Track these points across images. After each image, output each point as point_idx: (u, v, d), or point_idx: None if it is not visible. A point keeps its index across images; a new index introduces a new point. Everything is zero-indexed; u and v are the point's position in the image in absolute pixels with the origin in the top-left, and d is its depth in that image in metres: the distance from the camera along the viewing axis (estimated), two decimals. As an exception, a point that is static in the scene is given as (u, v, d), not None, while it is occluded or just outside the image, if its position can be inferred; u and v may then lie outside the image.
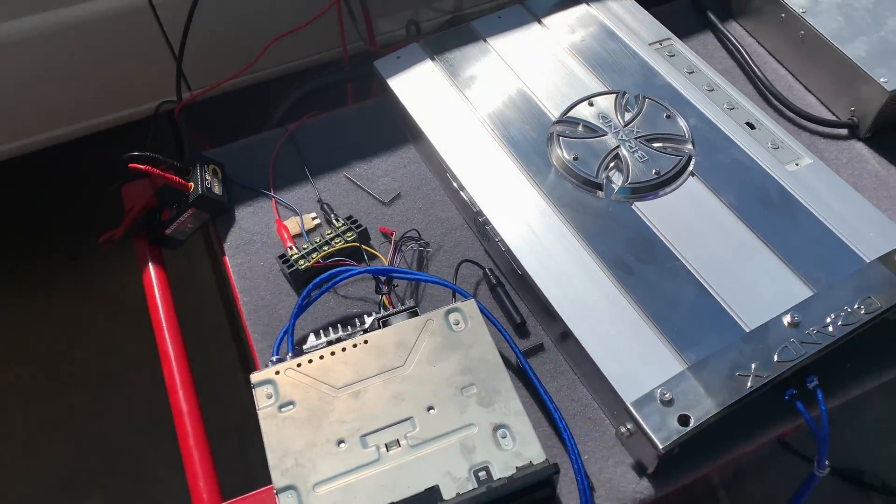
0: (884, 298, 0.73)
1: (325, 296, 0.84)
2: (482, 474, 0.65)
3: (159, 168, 0.89)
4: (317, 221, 0.91)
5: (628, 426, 0.70)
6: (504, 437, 0.67)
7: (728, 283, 0.76)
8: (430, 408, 0.69)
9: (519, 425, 0.68)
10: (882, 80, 0.91)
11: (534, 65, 0.97)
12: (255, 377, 0.71)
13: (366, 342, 0.74)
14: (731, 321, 0.73)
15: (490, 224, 0.83)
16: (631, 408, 0.68)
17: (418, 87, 0.96)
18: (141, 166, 0.87)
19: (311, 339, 0.78)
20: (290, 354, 0.76)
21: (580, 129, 0.88)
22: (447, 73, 0.97)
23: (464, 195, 0.87)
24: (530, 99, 0.93)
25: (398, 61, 0.99)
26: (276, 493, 0.64)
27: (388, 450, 0.67)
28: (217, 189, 0.91)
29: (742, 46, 1.05)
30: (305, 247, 0.86)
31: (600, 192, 0.84)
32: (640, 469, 0.72)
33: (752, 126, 0.90)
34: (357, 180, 0.95)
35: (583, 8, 1.04)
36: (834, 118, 0.99)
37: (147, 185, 0.99)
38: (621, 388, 0.70)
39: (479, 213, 0.84)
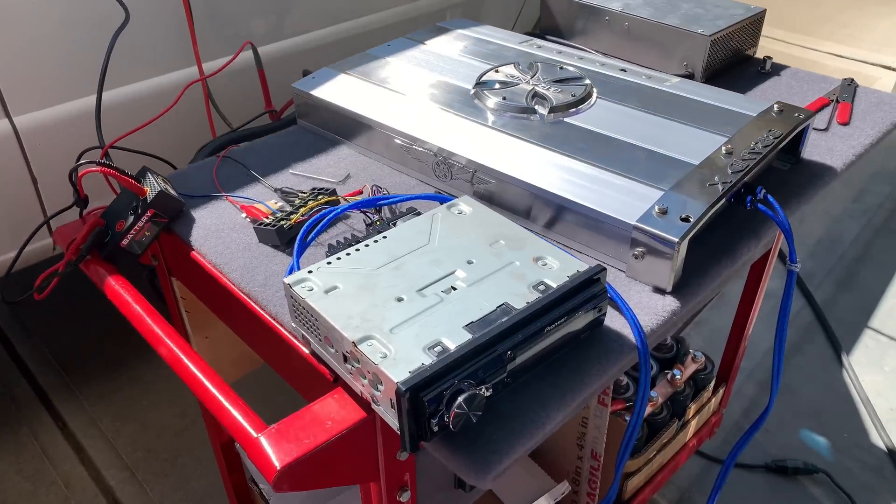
0: (780, 128, 0.93)
1: (312, 248, 0.87)
2: (541, 287, 0.70)
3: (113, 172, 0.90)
4: (279, 204, 0.95)
5: (638, 248, 0.79)
6: (545, 264, 0.73)
7: (665, 144, 0.92)
8: (470, 261, 0.74)
9: (555, 253, 0.75)
10: (700, 31, 1.20)
11: (433, 63, 1.14)
12: (288, 279, 0.72)
13: (384, 237, 0.78)
14: (681, 162, 0.88)
15: (454, 155, 0.93)
16: (638, 224, 0.79)
17: (343, 91, 1.08)
18: (99, 170, 0.87)
19: (324, 261, 0.80)
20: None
21: (497, 85, 1.04)
22: (364, 79, 1.10)
23: (419, 147, 0.97)
24: (444, 81, 1.09)
25: (314, 80, 1.11)
26: (357, 346, 0.64)
27: (447, 294, 0.70)
28: (172, 192, 0.93)
29: (585, 50, 1.32)
30: (279, 216, 0.89)
31: (534, 115, 0.98)
32: (659, 291, 0.81)
33: (624, 70, 1.12)
34: (304, 174, 1.02)
35: (455, 33, 1.26)
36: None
37: (79, 224, 0.97)
38: (622, 216, 0.80)
39: (440, 151, 0.94)
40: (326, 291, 0.70)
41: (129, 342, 2.21)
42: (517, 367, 0.66)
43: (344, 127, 1.06)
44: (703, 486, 1.84)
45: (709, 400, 1.64)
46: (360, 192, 0.95)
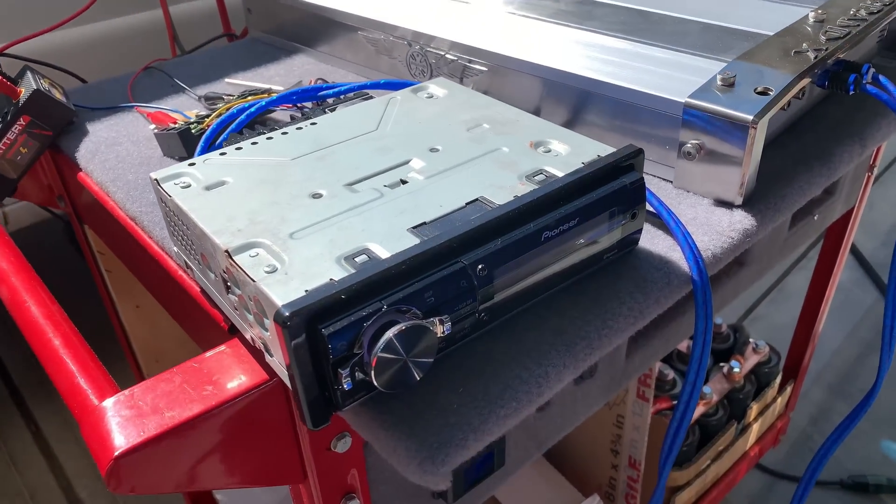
0: (890, -5, 0.66)
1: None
2: (540, 177, 0.44)
3: (-29, 67, 0.67)
4: (202, 114, 0.71)
5: (692, 140, 0.53)
6: (547, 150, 0.48)
7: (728, 17, 0.66)
8: (433, 149, 0.49)
9: (563, 135, 0.49)
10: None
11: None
12: (157, 174, 0.47)
13: (313, 124, 0.53)
14: (750, 33, 0.62)
15: (435, 38, 0.68)
16: (692, 101, 0.52)
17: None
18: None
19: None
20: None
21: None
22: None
23: (392, 36, 0.72)
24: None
25: (268, -24, 0.88)
26: (231, 257, 0.39)
27: (391, 189, 0.45)
28: (59, 95, 0.70)
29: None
30: (191, 121, 0.66)
31: (545, -6, 0.73)
32: (725, 204, 0.54)
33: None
34: (244, 82, 0.78)
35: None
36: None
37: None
38: (669, 93, 0.54)
39: (417, 37, 0.70)
40: (208, 188, 0.46)
41: (111, 341, 2.00)
42: (497, 299, 0.40)
43: (301, 27, 0.83)
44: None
45: (774, 400, 1.35)
46: (310, 82, 0.70)
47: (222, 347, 0.47)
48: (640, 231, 0.48)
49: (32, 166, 0.68)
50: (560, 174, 0.44)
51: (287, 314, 0.34)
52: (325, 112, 0.57)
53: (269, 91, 0.68)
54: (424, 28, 0.69)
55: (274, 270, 0.38)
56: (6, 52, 0.79)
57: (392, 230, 0.40)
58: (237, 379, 0.45)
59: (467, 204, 0.42)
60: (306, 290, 0.36)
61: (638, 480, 1.01)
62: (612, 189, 0.44)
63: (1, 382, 1.96)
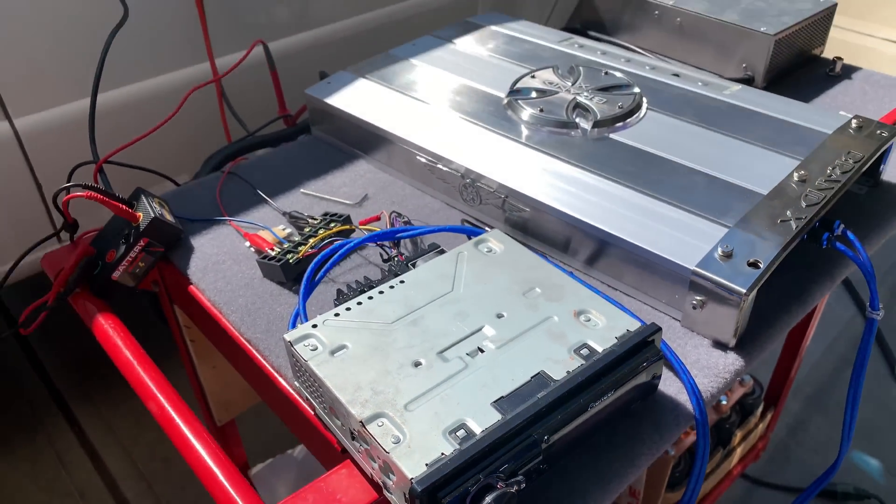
0: (860, 150, 0.81)
1: (323, 286, 0.77)
2: (584, 351, 0.59)
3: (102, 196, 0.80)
4: (288, 231, 0.85)
5: (698, 297, 0.68)
6: (588, 319, 0.63)
7: (727, 168, 0.80)
8: (500, 315, 0.63)
9: (599, 305, 0.64)
10: (763, 29, 1.07)
11: (463, 66, 1.03)
12: (289, 335, 0.62)
13: (402, 282, 0.67)
14: (747, 191, 0.77)
15: (483, 178, 0.82)
16: (699, 269, 0.67)
17: (361, 99, 0.97)
18: (84, 195, 0.78)
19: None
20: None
21: (533, 94, 0.93)
22: (384, 84, 1.00)
23: (445, 167, 0.86)
24: (472, 87, 0.98)
25: (329, 86, 1.01)
26: (365, 426, 0.54)
27: (472, 357, 0.59)
28: (169, 217, 0.84)
29: (631, 47, 1.20)
30: (287, 246, 0.80)
31: (575, 130, 0.87)
32: (721, 346, 0.69)
33: (677, 75, 1.00)
34: (317, 194, 0.92)
35: (487, 30, 1.14)
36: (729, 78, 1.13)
37: (69, 249, 0.89)
38: (679, 258, 0.69)
39: (468, 172, 0.84)
40: (332, 352, 0.60)
41: (145, 348, 2.14)
42: (554, 451, 0.56)
43: (362, 139, 0.96)
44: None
45: (756, 425, 1.52)
46: (378, 219, 0.84)
47: (343, 471, 0.62)
48: (657, 382, 0.63)
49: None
50: (600, 349, 0.59)
51: (420, 490, 0.49)
52: (406, 266, 0.71)
53: (348, 218, 0.82)
54: (475, 165, 0.83)
55: (398, 442, 0.53)
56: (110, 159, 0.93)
57: (479, 403, 0.55)
58: (353, 498, 0.60)
59: (532, 377, 0.57)
60: (426, 465, 0.51)
61: (637, 509, 1.18)
62: (637, 363, 0.59)
63: (43, 386, 2.10)
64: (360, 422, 0.54)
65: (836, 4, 1.16)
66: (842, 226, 0.75)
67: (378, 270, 0.79)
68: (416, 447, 0.52)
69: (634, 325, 0.61)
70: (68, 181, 0.90)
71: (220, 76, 1.13)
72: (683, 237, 0.71)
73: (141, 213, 0.81)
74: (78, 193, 0.78)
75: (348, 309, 0.65)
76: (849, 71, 1.15)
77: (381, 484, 0.56)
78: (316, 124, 1.02)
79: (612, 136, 0.87)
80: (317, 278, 0.74)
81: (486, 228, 0.77)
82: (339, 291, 0.69)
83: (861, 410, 1.93)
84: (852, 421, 0.84)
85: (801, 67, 1.16)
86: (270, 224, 0.86)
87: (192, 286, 0.81)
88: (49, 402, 2.05)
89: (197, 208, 0.90)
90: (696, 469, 0.65)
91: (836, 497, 1.74)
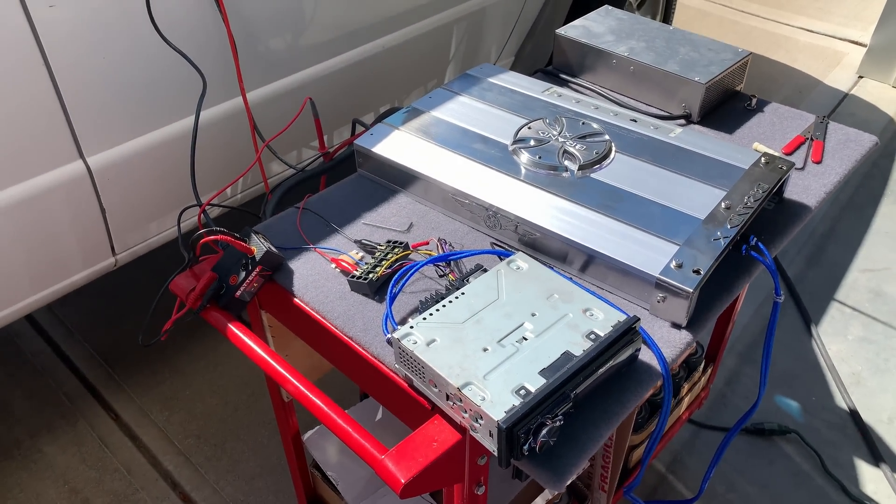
0: (768, 182, 1.15)
1: (397, 294, 1.08)
2: (592, 336, 0.92)
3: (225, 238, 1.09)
4: (360, 254, 1.16)
5: (660, 294, 1.02)
6: (592, 315, 0.96)
7: (674, 199, 1.14)
8: (533, 314, 0.96)
9: (598, 305, 0.97)
10: (696, 78, 1.41)
11: (473, 117, 1.34)
12: (397, 334, 0.93)
13: (463, 293, 0.99)
14: (689, 216, 1.10)
15: (502, 211, 1.14)
16: (660, 276, 1.01)
17: (399, 148, 1.28)
18: (217, 237, 1.07)
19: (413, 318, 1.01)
20: (398, 328, 0.99)
21: (532, 142, 1.25)
22: (416, 135, 1.30)
23: (472, 202, 1.18)
24: (484, 135, 1.29)
25: (372, 137, 1.31)
26: (460, 390, 0.86)
27: (520, 344, 0.92)
28: (273, 248, 1.13)
29: (593, 88, 1.52)
30: (366, 268, 1.10)
31: (565, 173, 1.20)
32: (676, 326, 1.03)
33: (634, 120, 1.33)
34: (373, 223, 1.22)
35: (486, 82, 1.45)
36: (671, 114, 1.47)
37: (189, 276, 1.17)
38: (647, 268, 1.02)
39: (490, 206, 1.15)
40: (428, 344, 0.92)
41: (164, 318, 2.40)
42: (577, 400, 0.89)
43: (402, 179, 1.26)
44: (692, 449, 2.11)
45: (699, 379, 1.89)
46: (427, 243, 1.16)
47: (434, 422, 0.94)
48: (638, 353, 0.96)
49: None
50: (602, 334, 0.92)
51: (504, 427, 0.81)
52: (462, 281, 1.03)
53: (406, 245, 1.13)
54: (495, 201, 1.15)
55: (483, 399, 0.85)
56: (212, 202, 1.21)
57: (530, 373, 0.88)
58: (445, 438, 0.92)
59: (561, 355, 0.90)
60: (505, 412, 0.83)
61: (611, 447, 1.53)
62: (626, 342, 0.92)
63: (76, 379, 2.35)
64: (458, 388, 0.86)
65: (750, 54, 1.50)
66: (755, 239, 1.09)
67: (429, 281, 1.10)
68: (496, 402, 0.84)
69: (622, 317, 0.95)
70: (178, 221, 1.18)
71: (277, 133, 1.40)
72: (648, 253, 1.05)
73: (254, 248, 1.11)
74: (215, 237, 1.07)
75: (430, 314, 0.96)
76: (762, 105, 1.50)
77: (468, 427, 0.88)
78: (362, 167, 1.32)
79: (592, 175, 1.19)
80: (396, 291, 1.05)
81: (512, 251, 1.09)
82: (421, 301, 1.01)
83: (782, 360, 2.34)
84: (766, 372, 1.19)
85: (727, 101, 1.51)
86: (345, 249, 1.16)
87: (296, 299, 1.11)
88: (83, 392, 2.31)
89: (283, 238, 1.20)
90: (664, 411, 0.99)
91: (764, 433, 2.14)
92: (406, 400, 0.98)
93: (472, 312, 0.96)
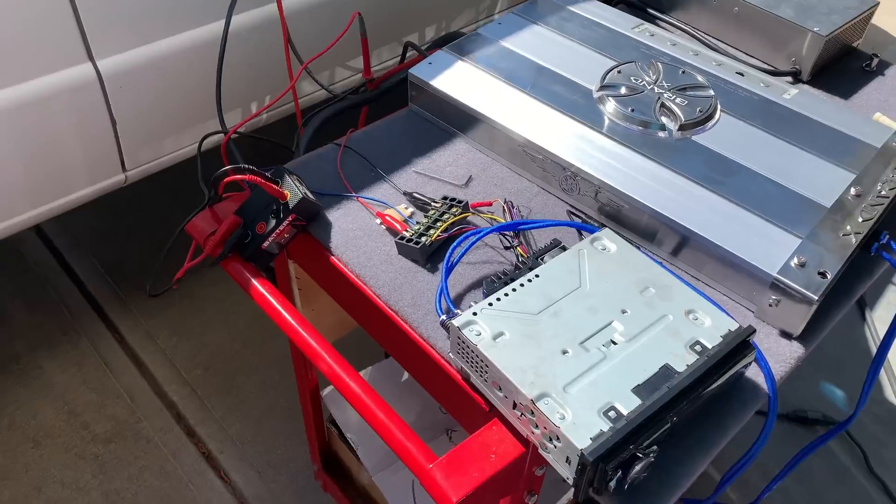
0: (905, 167, 0.95)
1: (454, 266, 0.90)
2: (697, 347, 0.75)
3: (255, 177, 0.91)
4: (410, 210, 0.98)
5: (774, 297, 0.84)
6: (696, 319, 0.78)
7: (794, 178, 0.94)
8: (624, 311, 0.78)
9: (704, 306, 0.79)
10: (815, 28, 1.18)
11: (550, 52, 1.13)
12: (457, 321, 0.76)
13: (537, 276, 0.81)
14: (812, 203, 0.91)
15: (583, 173, 0.95)
16: (780, 277, 0.83)
17: (461, 82, 1.07)
18: (245, 177, 0.89)
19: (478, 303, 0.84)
20: (456, 310, 0.82)
21: (622, 90, 1.05)
22: (482, 69, 1.10)
23: (546, 158, 0.98)
24: (563, 76, 1.09)
25: (431, 66, 1.10)
26: (534, 403, 0.69)
27: (608, 349, 0.75)
28: (310, 194, 0.95)
29: (686, 29, 1.30)
30: (417, 228, 0.92)
31: (662, 132, 1.00)
32: (786, 335, 0.86)
33: (741, 74, 1.12)
34: (426, 173, 1.04)
35: (565, 10, 1.23)
36: (776, 69, 1.25)
37: (209, 216, 0.99)
38: (763, 265, 0.84)
39: (569, 166, 0.96)
40: (494, 338, 0.75)
41: (177, 256, 2.24)
42: (675, 426, 0.72)
43: (462, 121, 1.07)
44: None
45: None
46: (490, 205, 0.97)
47: (493, 428, 0.78)
48: (745, 370, 0.79)
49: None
50: (710, 346, 0.75)
51: (591, 459, 0.65)
52: (536, 260, 0.85)
53: (466, 205, 0.94)
54: (576, 159, 0.96)
55: (563, 418, 0.68)
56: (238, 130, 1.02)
57: (621, 389, 0.71)
58: (506, 450, 0.76)
59: (659, 369, 0.73)
60: (591, 440, 0.66)
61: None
62: (738, 359, 0.75)
63: (80, 294, 2.21)
64: (531, 400, 0.70)
65: (878, 3, 1.27)
66: (888, 236, 0.91)
67: (491, 251, 0.92)
68: (580, 424, 0.68)
69: (733, 325, 0.77)
70: (199, 150, 1.00)
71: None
72: (764, 244, 0.86)
73: (288, 192, 0.93)
74: (241, 176, 0.89)
75: (498, 299, 0.79)
76: (884, 67, 1.28)
77: (538, 445, 0.72)
78: (415, 101, 1.12)
79: (693, 138, 1.00)
80: (454, 262, 0.87)
81: (595, 225, 0.90)
82: (487, 283, 0.83)
83: (832, 347, 2.16)
84: (871, 383, 1.02)
85: (840, 59, 1.29)
86: (393, 202, 0.98)
87: (333, 258, 0.93)
88: (87, 309, 2.17)
89: (320, 181, 1.01)
90: (764, 435, 0.82)
91: (807, 422, 2.00)
92: (459, 395, 0.82)
93: (548, 302, 0.79)
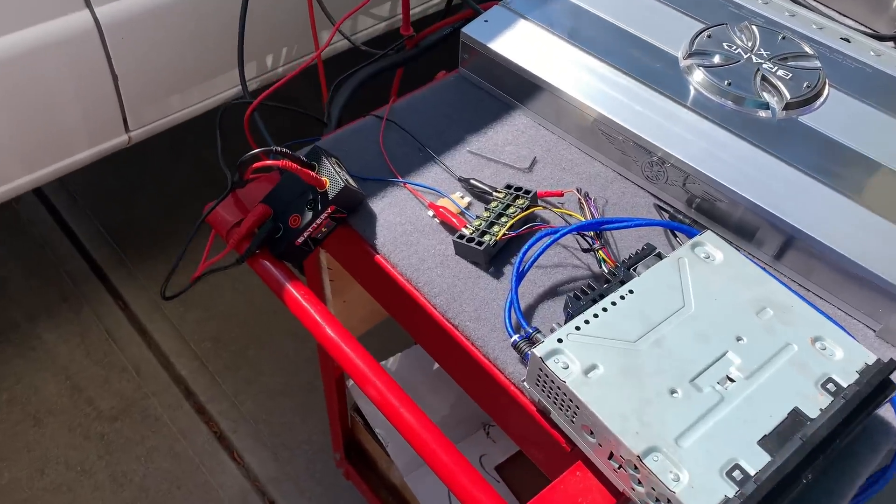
0: None
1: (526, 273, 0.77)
2: (831, 386, 0.63)
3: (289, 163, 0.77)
4: (467, 200, 0.84)
5: (906, 315, 0.71)
6: (824, 349, 0.65)
7: (920, 168, 0.80)
8: (739, 338, 0.66)
9: (832, 332, 0.66)
10: (930, -13, 1.03)
11: (626, 10, 0.98)
12: (540, 350, 0.63)
13: (631, 292, 0.68)
14: (948, 201, 0.78)
15: (673, 159, 0.81)
16: (915, 292, 0.70)
17: (524, 45, 0.93)
18: (279, 163, 0.75)
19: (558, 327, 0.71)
20: (528, 327, 0.69)
21: (715, 59, 0.90)
22: (549, 30, 0.94)
23: (626, 139, 0.84)
24: (643, 40, 0.94)
25: (487, 25, 0.95)
26: (641, 459, 0.57)
27: (724, 387, 0.62)
28: (352, 182, 0.81)
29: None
30: (478, 223, 0.79)
31: (765, 111, 0.85)
32: (916, 360, 0.73)
33: (847, 40, 0.97)
34: (482, 153, 0.90)
35: (636, -40, 1.07)
36: (875, 31, 1.10)
37: (232, 203, 0.86)
38: (893, 278, 0.71)
39: (656, 150, 0.82)
40: (585, 372, 0.62)
41: (181, 218, 2.12)
42: (808, 482, 0.60)
43: (522, 90, 0.93)
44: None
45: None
46: (561, 195, 0.84)
47: (578, 473, 0.66)
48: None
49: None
50: (844, 384, 0.62)
51: (719, 538, 0.53)
52: (628, 271, 0.71)
53: (535, 195, 0.81)
54: (667, 146, 0.82)
55: (678, 480, 0.56)
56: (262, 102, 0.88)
57: (746, 441, 0.59)
58: (595, 502, 0.65)
59: (788, 414, 0.61)
60: (715, 509, 0.55)
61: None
62: (878, 400, 0.63)
63: (81, 258, 2.08)
64: (637, 456, 0.58)
65: None
66: None
67: (563, 252, 0.79)
68: (699, 488, 0.56)
69: (869, 357, 0.65)
70: (218, 126, 0.86)
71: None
72: (891, 251, 0.73)
73: (327, 179, 0.79)
74: (269, 161, 0.75)
75: (586, 322, 0.66)
76: None
77: (638, 501, 0.60)
78: (467, 65, 0.98)
79: (800, 119, 0.85)
80: (525, 268, 0.74)
81: (693, 226, 0.77)
82: (572, 298, 0.70)
83: None
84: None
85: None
86: (444, 188, 0.85)
87: (378, 257, 0.80)
88: (89, 274, 2.05)
89: (360, 163, 0.88)
90: (888, 476, 0.71)
91: None
92: (532, 429, 0.70)
93: (647, 326, 0.66)
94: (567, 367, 0.63)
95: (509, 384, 0.71)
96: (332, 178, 0.79)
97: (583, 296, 0.70)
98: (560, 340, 0.64)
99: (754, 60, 0.90)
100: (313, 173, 0.78)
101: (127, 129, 1.45)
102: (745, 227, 0.80)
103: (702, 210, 0.83)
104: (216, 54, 1.46)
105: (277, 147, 0.76)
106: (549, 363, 0.63)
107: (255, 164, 0.76)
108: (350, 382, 1.33)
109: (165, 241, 2.10)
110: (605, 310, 0.67)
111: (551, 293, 0.76)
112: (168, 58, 1.38)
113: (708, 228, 0.76)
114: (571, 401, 0.62)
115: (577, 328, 0.66)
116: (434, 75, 1.17)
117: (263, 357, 1.90)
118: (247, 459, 1.73)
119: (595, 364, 0.63)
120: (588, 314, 0.67)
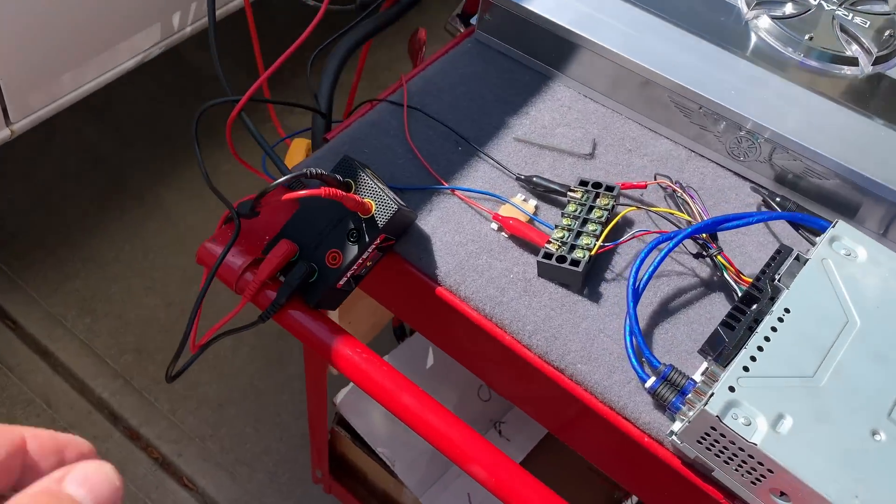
0: None
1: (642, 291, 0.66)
2: None
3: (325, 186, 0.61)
4: (532, 203, 0.71)
5: None
6: None
7: None
8: (917, 356, 0.57)
9: None
10: None
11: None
12: (713, 407, 0.53)
13: (787, 311, 0.58)
14: None
15: (764, 129, 0.71)
16: None
17: (565, 1, 0.78)
18: (316, 191, 0.58)
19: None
20: (661, 366, 0.58)
21: (787, 9, 0.79)
22: (584, -20, 0.80)
23: (707, 111, 0.73)
24: (695, -11, 0.82)
25: (512, -23, 0.80)
26: (874, 534, 0.48)
27: (925, 422, 0.54)
28: (400, 199, 0.66)
29: None
30: (560, 235, 0.66)
31: (850, 68, 0.76)
32: None
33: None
34: (531, 139, 0.76)
35: None
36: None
37: (225, 231, 0.69)
38: None
39: (744, 121, 0.72)
40: (773, 425, 0.52)
41: (65, 207, 1.84)
42: None
43: (563, 56, 0.79)
44: None
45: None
46: (644, 186, 0.72)
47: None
48: None
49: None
50: None
51: None
52: (775, 284, 0.61)
53: (618, 192, 0.69)
54: (755, 115, 0.71)
55: (918, 550, 0.48)
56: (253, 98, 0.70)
57: (972, 487, 0.51)
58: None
59: None
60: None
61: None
62: None
63: (-53, 271, 1.77)
64: (868, 529, 0.49)
65: None
66: None
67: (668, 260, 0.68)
68: (947, 559, 0.48)
69: None
70: (196, 125, 0.68)
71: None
72: None
73: (372, 202, 0.63)
74: (304, 192, 0.58)
75: (752, 359, 0.56)
76: None
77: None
78: (488, 27, 0.82)
79: (887, 71, 0.77)
80: (641, 286, 0.63)
81: (820, 217, 0.68)
82: (724, 327, 0.59)
83: None
84: None
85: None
86: (502, 191, 0.71)
87: (441, 289, 0.66)
88: (-39, 290, 1.74)
89: (387, 168, 0.72)
90: None
91: None
92: (679, 486, 0.60)
93: (819, 353, 0.57)
94: (750, 424, 0.52)
95: (643, 436, 0.60)
96: (378, 198, 0.63)
97: (735, 322, 0.59)
98: (732, 389, 0.54)
99: (826, 7, 0.80)
100: (358, 197, 0.61)
101: (8, 122, 1.20)
102: (848, 203, 0.72)
103: (795, 187, 0.74)
104: (111, 18, 1.22)
105: (313, 169, 0.59)
106: (728, 422, 0.52)
107: (285, 197, 0.59)
108: (338, 399, 1.18)
109: (49, 239, 1.81)
110: (766, 339, 0.57)
111: (663, 314, 0.65)
112: (53, 28, 1.13)
113: (840, 219, 0.67)
114: (761, 463, 0.52)
115: (746, 368, 0.55)
116: (410, 36, 1.01)
117: (197, 364, 1.69)
118: (200, 484, 1.56)
119: (780, 413, 0.53)
120: (751, 347, 0.56)
